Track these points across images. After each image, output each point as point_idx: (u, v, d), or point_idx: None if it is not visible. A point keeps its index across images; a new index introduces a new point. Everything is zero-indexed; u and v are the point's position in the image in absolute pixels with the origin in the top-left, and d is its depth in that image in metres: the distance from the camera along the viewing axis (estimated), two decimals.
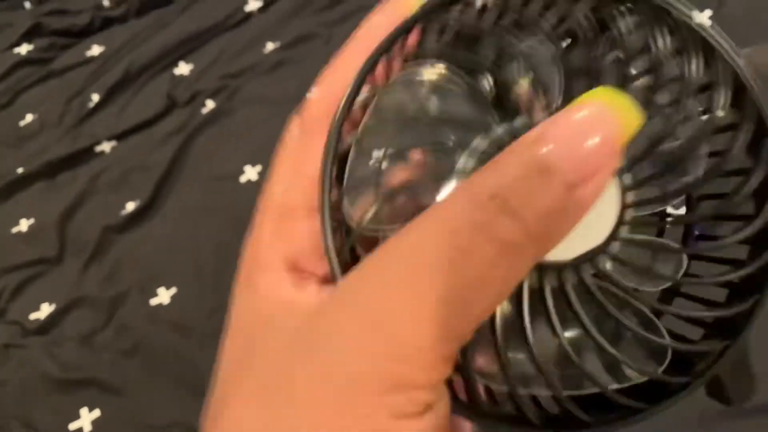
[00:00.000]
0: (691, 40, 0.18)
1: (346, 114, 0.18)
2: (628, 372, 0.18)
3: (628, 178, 0.17)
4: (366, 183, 0.18)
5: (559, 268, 0.17)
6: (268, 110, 0.82)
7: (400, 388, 0.15)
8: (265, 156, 0.78)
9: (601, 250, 0.17)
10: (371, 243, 0.17)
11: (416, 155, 0.18)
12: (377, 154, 0.18)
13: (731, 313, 0.18)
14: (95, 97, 0.92)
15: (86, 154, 0.86)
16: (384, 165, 0.18)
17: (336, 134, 0.18)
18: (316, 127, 0.18)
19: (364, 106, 0.18)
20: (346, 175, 0.18)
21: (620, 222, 0.17)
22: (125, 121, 0.88)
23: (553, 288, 0.17)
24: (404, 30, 0.18)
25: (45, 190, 0.84)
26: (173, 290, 0.70)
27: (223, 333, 0.18)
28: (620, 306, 0.18)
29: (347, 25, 0.87)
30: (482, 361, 0.17)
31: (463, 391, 0.17)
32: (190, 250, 0.73)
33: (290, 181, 0.19)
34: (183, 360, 0.66)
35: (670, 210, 0.19)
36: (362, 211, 0.18)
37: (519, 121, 0.18)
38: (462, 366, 0.17)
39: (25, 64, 0.99)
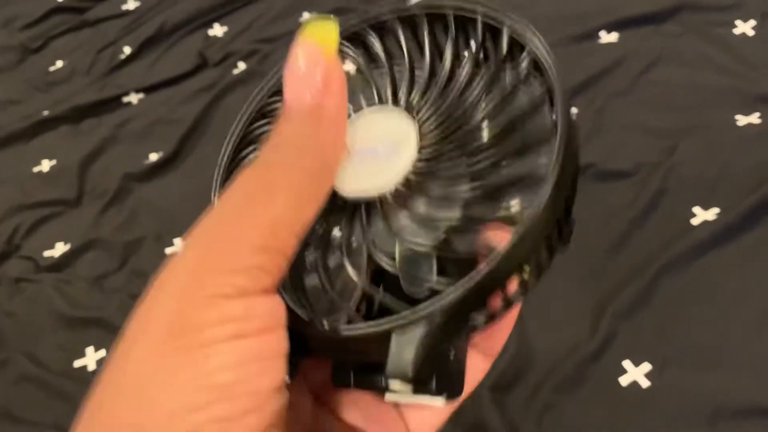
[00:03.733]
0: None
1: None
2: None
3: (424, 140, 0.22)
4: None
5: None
6: None
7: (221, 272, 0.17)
8: None
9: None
10: None
11: None
12: None
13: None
14: (127, 50, 0.92)
15: (113, 103, 0.86)
16: None
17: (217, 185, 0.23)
18: None
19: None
20: None
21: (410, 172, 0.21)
22: (155, 75, 0.88)
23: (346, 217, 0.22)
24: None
25: (69, 134, 0.84)
26: None
27: None
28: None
29: (386, 1, 0.87)
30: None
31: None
32: (208, 206, 0.73)
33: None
34: None
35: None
36: None
37: None
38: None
39: (61, 11, 1.00)
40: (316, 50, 0.20)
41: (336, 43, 0.20)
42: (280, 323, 0.18)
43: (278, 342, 0.18)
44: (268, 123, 0.24)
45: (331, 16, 0.20)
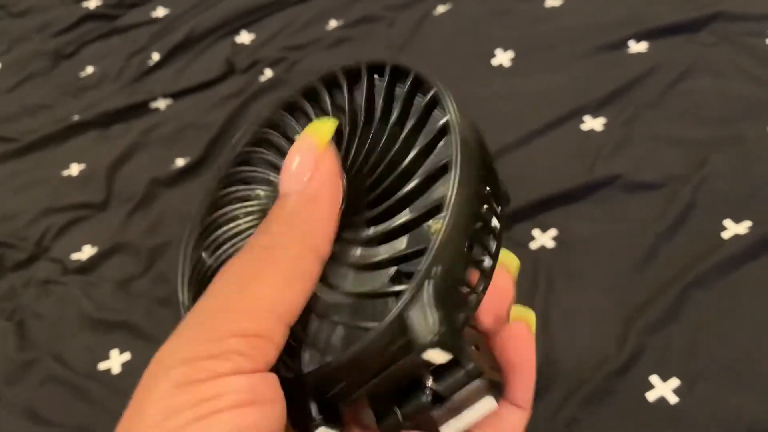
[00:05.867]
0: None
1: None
2: None
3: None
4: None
5: None
6: None
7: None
8: None
9: None
10: None
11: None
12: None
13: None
14: (155, 56, 0.94)
15: (141, 108, 0.87)
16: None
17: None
18: None
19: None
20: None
21: None
22: (183, 81, 0.89)
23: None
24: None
25: (98, 138, 0.85)
26: None
27: None
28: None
29: (412, 11, 0.87)
30: None
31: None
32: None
33: None
34: None
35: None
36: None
37: None
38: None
39: (92, 18, 1.01)
40: (310, 141, 0.22)
41: (329, 136, 0.22)
42: (263, 398, 0.19)
43: (261, 415, 0.18)
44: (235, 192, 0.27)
45: (332, 118, 0.23)
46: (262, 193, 0.26)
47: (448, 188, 0.20)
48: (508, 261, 0.24)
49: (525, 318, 0.24)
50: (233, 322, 0.19)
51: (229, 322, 0.19)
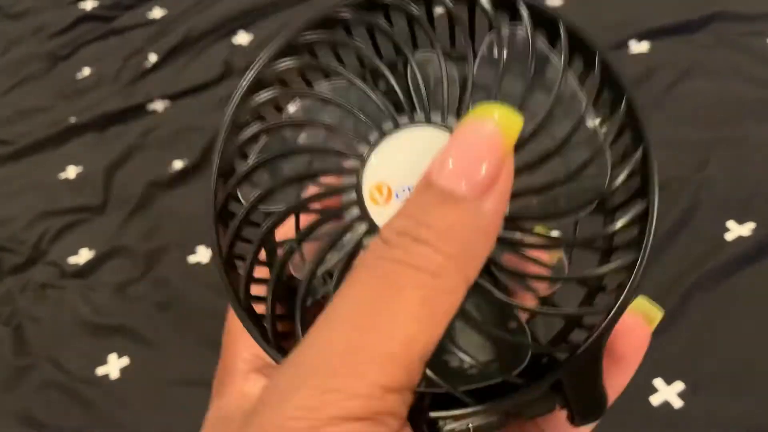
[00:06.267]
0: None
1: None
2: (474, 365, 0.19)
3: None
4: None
5: None
6: None
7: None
8: None
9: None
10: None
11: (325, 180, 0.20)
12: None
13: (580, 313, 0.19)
14: (153, 58, 0.93)
15: (139, 110, 0.87)
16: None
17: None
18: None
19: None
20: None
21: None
22: (180, 83, 0.89)
23: None
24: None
25: (95, 141, 0.85)
26: None
27: None
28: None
29: None
30: None
31: None
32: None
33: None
34: (215, 320, 0.64)
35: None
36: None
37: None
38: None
39: (88, 20, 1.01)
40: (498, 136, 0.16)
41: (515, 139, 0.17)
42: None
43: None
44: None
45: (517, 111, 0.17)
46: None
47: (638, 257, 0.18)
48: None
49: (647, 312, 0.20)
50: (373, 372, 0.15)
51: (370, 371, 0.15)
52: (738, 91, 0.68)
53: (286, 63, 0.20)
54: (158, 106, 0.87)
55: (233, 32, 0.93)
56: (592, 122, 0.19)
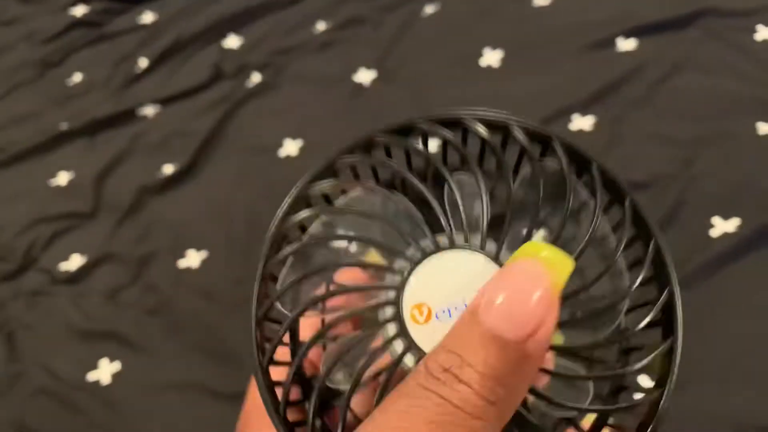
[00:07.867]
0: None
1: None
2: None
3: None
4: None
5: None
6: (313, 88, 0.82)
7: None
8: (306, 132, 0.78)
9: None
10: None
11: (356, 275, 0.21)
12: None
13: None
14: (143, 63, 0.93)
15: (129, 115, 0.87)
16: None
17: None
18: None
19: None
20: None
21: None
22: (170, 87, 0.89)
23: None
24: None
25: (86, 146, 0.85)
26: (204, 254, 0.70)
27: None
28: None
29: (399, 12, 0.87)
30: None
31: None
32: (222, 219, 0.73)
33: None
34: (205, 325, 0.65)
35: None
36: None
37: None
38: None
39: (79, 26, 1.01)
40: (548, 281, 0.17)
41: (564, 284, 0.17)
42: None
43: None
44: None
45: (567, 255, 0.18)
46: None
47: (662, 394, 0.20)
48: None
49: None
50: None
51: None
52: (726, 87, 0.68)
53: (329, 182, 0.21)
54: (149, 111, 0.87)
55: (223, 36, 0.93)
56: (622, 264, 0.21)
